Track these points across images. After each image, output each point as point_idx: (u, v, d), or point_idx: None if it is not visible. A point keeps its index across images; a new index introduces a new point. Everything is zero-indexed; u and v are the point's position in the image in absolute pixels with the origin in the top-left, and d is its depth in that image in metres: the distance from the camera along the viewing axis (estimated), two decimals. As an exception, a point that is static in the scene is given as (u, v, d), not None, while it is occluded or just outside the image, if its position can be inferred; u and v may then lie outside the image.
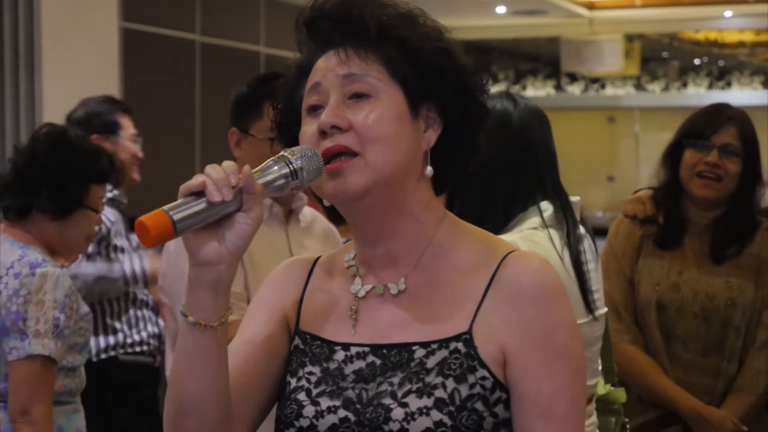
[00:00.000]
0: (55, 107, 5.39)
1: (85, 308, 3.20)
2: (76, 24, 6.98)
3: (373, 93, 1.68)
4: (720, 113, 3.44)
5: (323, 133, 1.66)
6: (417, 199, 1.72)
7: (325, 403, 1.66)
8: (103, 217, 4.29)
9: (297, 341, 1.75)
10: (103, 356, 4.27)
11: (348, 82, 1.68)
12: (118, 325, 4.33)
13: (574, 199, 2.70)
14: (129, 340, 4.32)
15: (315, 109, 1.70)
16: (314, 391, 1.68)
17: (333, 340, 1.72)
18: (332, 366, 1.69)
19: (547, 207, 2.62)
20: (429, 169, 1.72)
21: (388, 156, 1.66)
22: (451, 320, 1.66)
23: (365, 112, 1.66)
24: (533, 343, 1.62)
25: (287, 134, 1.78)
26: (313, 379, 1.69)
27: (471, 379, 1.61)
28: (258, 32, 10.97)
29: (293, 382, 1.71)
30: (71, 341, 3.12)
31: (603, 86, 17.41)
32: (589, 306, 2.61)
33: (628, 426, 2.89)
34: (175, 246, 3.10)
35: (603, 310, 2.69)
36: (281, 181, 1.60)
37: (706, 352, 3.37)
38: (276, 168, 1.60)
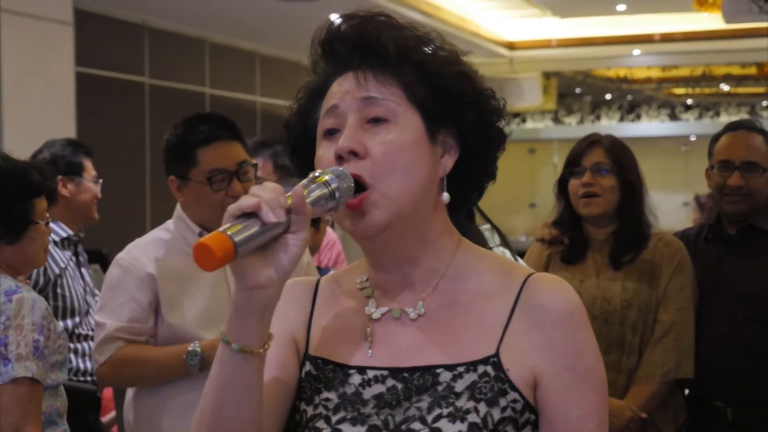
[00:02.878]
0: (16, 148, 5.37)
1: (60, 326, 3.15)
2: (35, 70, 6.96)
3: (392, 118, 1.52)
4: (587, 140, 3.64)
5: (340, 158, 1.51)
6: (433, 226, 1.57)
7: (347, 430, 1.50)
8: (50, 262, 4.27)
9: (308, 367, 1.58)
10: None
11: (366, 106, 1.53)
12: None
13: (485, 227, 2.73)
14: (72, 366, 4.28)
15: (332, 133, 1.55)
16: (333, 419, 1.51)
17: (347, 363, 1.56)
18: (349, 391, 1.53)
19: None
20: (445, 196, 1.57)
21: (404, 185, 1.50)
22: (476, 343, 1.52)
23: (383, 138, 1.51)
24: (563, 366, 1.51)
25: (299, 156, 1.63)
26: (331, 405, 1.53)
27: (502, 402, 1.48)
28: (203, 74, 10.97)
29: (309, 410, 1.54)
30: (52, 360, 3.07)
31: (524, 120, 17.61)
32: None
33: None
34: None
35: None
36: (322, 202, 1.45)
37: (608, 350, 3.48)
38: (315, 187, 1.45)
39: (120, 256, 3.22)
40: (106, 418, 4.80)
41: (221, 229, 1.34)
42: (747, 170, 3.58)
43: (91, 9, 9.13)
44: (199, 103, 10.79)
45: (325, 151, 1.54)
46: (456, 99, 1.56)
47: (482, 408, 1.47)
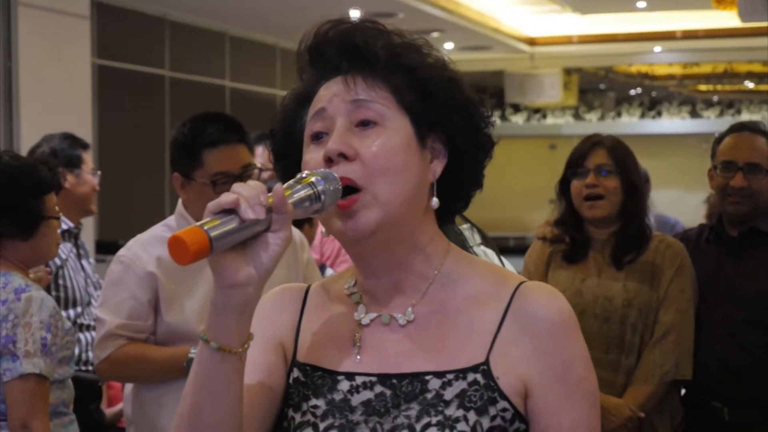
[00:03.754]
0: (32, 140, 5.42)
1: (68, 324, 3.23)
2: (51, 61, 7.01)
3: (381, 121, 1.49)
4: (589, 141, 3.62)
5: (329, 161, 1.47)
6: (423, 231, 1.55)
7: None
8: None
9: (297, 373, 1.55)
10: None
11: (355, 108, 1.50)
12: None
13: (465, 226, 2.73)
14: (74, 356, 4.36)
15: (319, 137, 1.51)
16: (321, 426, 1.49)
17: (335, 369, 1.53)
18: (337, 397, 1.50)
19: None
20: (435, 201, 1.54)
21: (396, 188, 1.48)
22: (466, 350, 1.49)
23: (373, 140, 1.48)
24: (554, 376, 1.48)
25: (283, 163, 1.60)
26: (319, 412, 1.50)
27: (492, 411, 1.45)
28: (223, 67, 11.01)
29: (297, 416, 1.51)
30: (60, 355, 3.15)
31: (544, 116, 17.59)
32: None
33: None
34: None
35: None
36: (306, 203, 1.41)
37: (608, 349, 3.49)
38: (300, 188, 1.41)
39: (121, 252, 3.24)
40: (116, 409, 4.85)
41: (198, 223, 1.32)
42: (750, 171, 3.59)
43: (112, 2, 9.19)
44: (219, 96, 10.84)
45: (312, 155, 1.51)
46: (445, 104, 1.53)
47: (472, 417, 1.44)
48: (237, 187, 1.36)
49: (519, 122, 17.49)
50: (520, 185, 16.69)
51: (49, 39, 7.00)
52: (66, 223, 4.50)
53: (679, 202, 13.50)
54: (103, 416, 4.53)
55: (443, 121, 1.54)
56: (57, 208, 3.28)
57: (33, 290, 3.11)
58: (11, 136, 6.65)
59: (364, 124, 1.50)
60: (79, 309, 4.42)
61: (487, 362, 1.48)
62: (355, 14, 9.99)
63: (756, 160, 3.60)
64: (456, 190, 1.59)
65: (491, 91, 16.96)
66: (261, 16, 10.35)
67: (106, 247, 7.27)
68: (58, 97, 6.99)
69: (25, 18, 6.80)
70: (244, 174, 3.19)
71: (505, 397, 1.46)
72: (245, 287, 1.38)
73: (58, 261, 4.38)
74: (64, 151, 4.62)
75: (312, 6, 9.68)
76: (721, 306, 3.57)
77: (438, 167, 1.54)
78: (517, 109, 17.32)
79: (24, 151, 6.13)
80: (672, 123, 17.33)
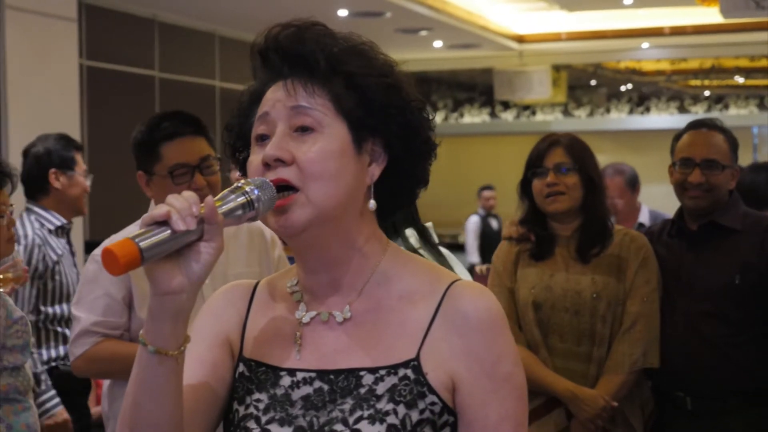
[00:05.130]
0: (20, 141, 5.46)
1: (18, 314, 3.29)
2: (39, 64, 7.04)
3: (318, 127, 1.56)
4: (546, 140, 3.69)
5: (267, 165, 1.55)
6: (359, 231, 1.61)
7: (275, 430, 1.56)
8: (49, 249, 4.46)
9: (242, 368, 1.64)
10: (45, 366, 4.38)
11: (294, 114, 1.57)
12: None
13: (428, 224, 2.80)
14: (63, 353, 4.42)
15: (263, 139, 1.59)
16: (263, 419, 1.57)
17: (278, 365, 1.61)
18: (279, 392, 1.59)
19: (410, 233, 2.72)
20: (372, 203, 1.61)
21: (330, 191, 1.55)
22: (398, 347, 1.57)
23: (309, 146, 1.55)
24: (481, 371, 1.55)
25: (239, 157, 1.68)
26: (261, 406, 1.58)
27: (421, 404, 1.53)
28: (213, 68, 11.04)
29: (241, 409, 1.60)
30: (9, 344, 3.21)
31: (533, 113, 17.60)
32: None
33: None
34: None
35: None
36: (239, 212, 1.49)
37: (579, 341, 3.57)
38: (233, 197, 1.49)
39: (96, 251, 3.31)
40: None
41: (131, 235, 1.39)
42: (707, 167, 3.69)
43: (101, 4, 9.22)
44: (209, 97, 10.87)
45: (255, 157, 1.59)
46: (381, 110, 1.59)
47: (401, 410, 1.52)
48: (170, 198, 1.43)
49: (509, 119, 17.49)
50: (511, 181, 16.57)
51: (37, 42, 7.03)
52: (60, 220, 4.62)
53: (669, 196, 13.52)
54: (87, 408, 4.60)
55: (380, 126, 1.60)
56: (6, 206, 3.35)
57: None
58: (-1, 139, 6.69)
59: (303, 129, 1.57)
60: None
61: (417, 358, 1.55)
62: (343, 14, 9.90)
63: (713, 156, 3.70)
64: (397, 190, 1.66)
65: (480, 89, 17.01)
66: (250, 16, 10.38)
67: (95, 247, 7.30)
68: (46, 100, 7.03)
69: (12, 21, 6.83)
70: (202, 165, 3.27)
71: (433, 392, 1.54)
72: (179, 294, 1.45)
73: (54, 256, 4.50)
74: (58, 152, 4.68)
75: (301, 6, 9.71)
76: (683, 298, 3.66)
77: (376, 171, 1.61)
78: (506, 106, 17.32)
79: (12, 153, 6.17)
80: (660, 118, 17.35)
